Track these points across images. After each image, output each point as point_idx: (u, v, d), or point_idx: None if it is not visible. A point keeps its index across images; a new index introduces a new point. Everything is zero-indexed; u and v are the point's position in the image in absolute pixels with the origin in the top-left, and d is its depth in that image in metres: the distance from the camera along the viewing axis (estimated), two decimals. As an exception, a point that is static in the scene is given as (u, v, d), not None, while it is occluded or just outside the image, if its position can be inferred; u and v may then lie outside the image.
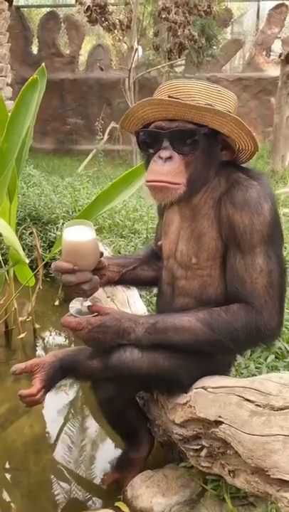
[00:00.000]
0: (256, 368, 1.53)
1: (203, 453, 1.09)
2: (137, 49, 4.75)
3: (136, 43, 4.69)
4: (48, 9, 11.05)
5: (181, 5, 5.62)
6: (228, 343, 1.09)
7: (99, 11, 4.36)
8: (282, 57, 6.45)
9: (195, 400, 1.08)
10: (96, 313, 1.20)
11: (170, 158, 1.07)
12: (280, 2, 9.67)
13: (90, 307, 1.21)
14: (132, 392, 1.42)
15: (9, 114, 1.99)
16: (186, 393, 1.21)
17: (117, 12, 5.07)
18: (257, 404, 0.88)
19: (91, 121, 9.73)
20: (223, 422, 0.94)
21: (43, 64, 2.21)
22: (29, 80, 1.89)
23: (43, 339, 2.53)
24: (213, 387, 1.03)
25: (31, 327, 2.50)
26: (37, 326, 2.52)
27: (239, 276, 1.10)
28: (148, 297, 2.22)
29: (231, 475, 1.03)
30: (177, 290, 1.25)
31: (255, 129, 9.87)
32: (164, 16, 5.37)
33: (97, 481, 1.54)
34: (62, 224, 3.11)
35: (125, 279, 1.45)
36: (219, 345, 1.11)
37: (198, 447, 1.12)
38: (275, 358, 1.57)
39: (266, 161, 7.47)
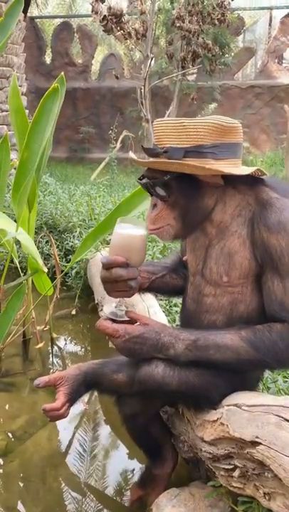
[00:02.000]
0: (284, 381, 1.48)
1: (236, 473, 1.04)
2: (152, 58, 4.75)
3: (150, 52, 4.70)
4: (62, 20, 11.19)
5: (195, 14, 5.64)
6: (272, 363, 1.06)
7: (115, 20, 4.39)
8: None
9: (228, 417, 1.03)
10: (130, 320, 1.18)
11: (155, 205, 1.13)
12: (293, 10, 9.68)
13: (128, 312, 1.19)
14: (157, 408, 1.38)
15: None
16: (215, 409, 1.16)
17: (132, 21, 5.09)
18: (298, 426, 0.84)
19: (103, 130, 9.81)
20: (260, 443, 0.89)
21: (62, 73, 2.20)
22: (50, 88, 1.88)
23: (61, 349, 2.51)
24: (248, 406, 0.99)
25: (48, 336, 2.48)
26: (54, 335, 2.50)
27: (279, 299, 1.07)
28: (167, 307, 2.19)
29: (267, 498, 0.98)
30: (204, 307, 1.21)
31: (268, 136, 9.85)
32: (178, 25, 5.38)
33: (120, 498, 1.50)
34: (80, 233, 3.10)
35: (154, 287, 1.42)
36: (262, 365, 1.07)
37: (230, 467, 1.08)
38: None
39: (280, 168, 7.42)
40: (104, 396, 1.39)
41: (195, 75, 8.91)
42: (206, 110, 8.27)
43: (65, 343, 2.58)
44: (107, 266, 1.12)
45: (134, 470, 1.62)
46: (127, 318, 1.18)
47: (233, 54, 8.59)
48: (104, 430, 1.85)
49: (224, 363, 1.09)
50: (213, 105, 8.46)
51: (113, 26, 4.49)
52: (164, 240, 1.19)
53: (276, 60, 10.00)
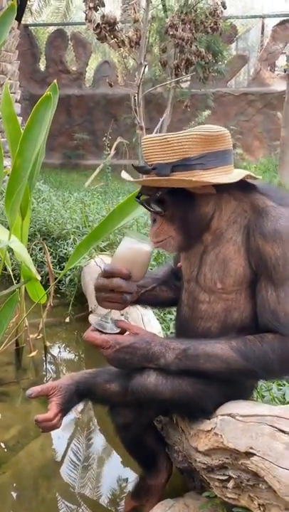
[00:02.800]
0: (279, 389, 1.47)
1: (230, 484, 1.03)
2: (146, 65, 4.79)
3: (143, 60, 4.73)
4: (56, 28, 11.25)
5: (188, 22, 5.68)
6: (262, 373, 1.05)
7: (108, 28, 4.41)
8: (287, 72, 6.49)
9: (222, 427, 1.02)
10: (120, 330, 1.17)
11: (155, 219, 1.16)
12: (285, 18, 9.80)
13: (117, 321, 1.18)
14: (151, 417, 1.37)
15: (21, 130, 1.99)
16: (209, 419, 1.15)
17: (125, 29, 5.13)
18: (293, 436, 0.83)
19: (97, 137, 9.83)
20: (255, 454, 0.88)
21: (55, 80, 2.20)
22: (42, 96, 1.88)
23: (54, 357, 2.49)
24: (242, 415, 0.98)
25: (42, 345, 2.46)
26: (48, 343, 2.48)
27: (271, 308, 1.06)
28: (162, 315, 2.18)
29: (262, 509, 0.97)
30: (199, 313, 1.20)
31: (261, 142, 9.92)
32: (171, 33, 5.42)
33: (114, 509, 1.48)
34: (74, 240, 3.08)
35: (143, 299, 1.41)
36: (252, 375, 1.06)
37: (224, 478, 1.07)
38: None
39: (273, 175, 7.46)
40: (97, 406, 1.37)
41: (188, 83, 8.97)
42: (199, 117, 8.32)
43: (59, 351, 2.56)
44: (109, 274, 1.12)
45: (128, 480, 1.60)
46: (115, 331, 1.17)
47: (226, 62, 8.66)
48: (98, 439, 1.83)
49: (214, 372, 1.09)
50: (206, 112, 8.51)
51: (107, 34, 4.52)
52: (169, 252, 1.21)
53: (269, 68, 10.11)
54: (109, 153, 7.21)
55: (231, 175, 1.11)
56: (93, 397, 1.32)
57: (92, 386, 1.30)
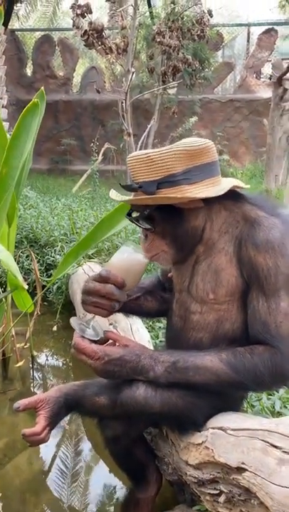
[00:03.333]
0: (268, 399, 1.47)
1: (221, 499, 1.01)
2: (133, 72, 4.80)
3: (131, 66, 4.74)
4: (43, 33, 11.22)
5: (175, 29, 5.72)
6: (252, 385, 1.05)
7: (96, 35, 4.42)
8: (273, 80, 6.57)
9: (212, 441, 1.01)
10: (101, 336, 1.17)
11: (146, 236, 1.16)
12: (270, 27, 9.95)
13: (106, 332, 1.18)
14: (140, 430, 1.35)
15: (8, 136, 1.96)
16: (200, 431, 1.14)
17: (113, 36, 5.14)
18: (285, 451, 0.82)
19: (85, 142, 9.81)
20: (246, 470, 0.87)
21: (42, 88, 2.19)
22: (29, 103, 1.86)
23: (42, 367, 2.45)
24: (233, 429, 0.97)
25: (29, 354, 2.42)
26: (35, 353, 2.44)
27: (262, 319, 1.06)
28: (150, 323, 2.16)
29: (253, 524, 0.96)
30: (190, 324, 1.19)
31: (247, 149, 10.01)
32: (158, 40, 5.45)
33: (103, 524, 1.45)
34: (61, 247, 3.05)
35: (126, 308, 1.38)
36: (241, 387, 1.06)
37: (215, 492, 1.05)
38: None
39: (259, 181, 7.53)
40: (86, 418, 1.35)
41: (175, 89, 9.02)
42: (186, 124, 8.36)
43: (46, 360, 2.52)
44: (105, 280, 1.11)
45: (116, 491, 1.57)
46: (95, 338, 1.16)
47: (212, 69, 8.74)
48: (86, 451, 1.80)
49: (204, 384, 1.08)
50: (193, 119, 8.56)
51: (94, 41, 4.52)
52: (164, 265, 1.22)
53: (255, 75, 10.24)
54: (96, 159, 7.19)
55: (219, 186, 1.11)
56: (82, 409, 1.30)
57: (81, 399, 1.28)
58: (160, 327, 2.13)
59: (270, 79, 9.94)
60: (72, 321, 1.21)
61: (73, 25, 4.60)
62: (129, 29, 4.75)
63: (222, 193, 1.08)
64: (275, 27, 9.98)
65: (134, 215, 1.16)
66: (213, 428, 1.06)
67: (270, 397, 1.48)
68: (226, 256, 1.12)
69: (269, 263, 1.05)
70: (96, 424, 1.30)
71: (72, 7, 4.45)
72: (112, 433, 1.28)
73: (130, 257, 1.14)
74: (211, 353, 1.08)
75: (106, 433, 1.29)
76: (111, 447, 1.33)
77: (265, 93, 9.45)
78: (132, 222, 1.17)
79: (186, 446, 1.18)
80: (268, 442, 0.86)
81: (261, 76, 10.47)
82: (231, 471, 0.94)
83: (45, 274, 3.06)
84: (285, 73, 5.85)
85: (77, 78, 11.36)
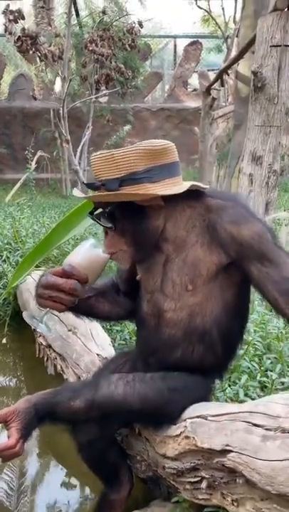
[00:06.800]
0: (231, 389, 1.54)
1: (203, 485, 1.05)
2: (71, 80, 4.78)
3: (66, 74, 4.72)
4: None
5: (106, 39, 5.80)
6: None
7: (29, 41, 4.35)
8: (201, 90, 6.88)
9: (193, 430, 1.05)
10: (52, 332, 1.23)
11: (107, 233, 1.18)
12: (195, 39, 10.43)
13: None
14: (114, 431, 1.36)
15: None
16: (175, 424, 1.17)
17: (48, 43, 5.08)
18: (267, 428, 0.87)
19: (15, 150, 9.54)
20: (231, 451, 0.92)
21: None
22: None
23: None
24: (213, 415, 1.01)
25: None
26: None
27: (282, 275, 1.08)
28: (108, 327, 2.16)
29: (235, 504, 1.01)
30: (164, 322, 1.22)
31: (180, 156, 10.32)
32: (91, 48, 5.49)
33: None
34: (6, 256, 2.95)
35: (75, 308, 1.30)
36: None
37: (196, 480, 1.09)
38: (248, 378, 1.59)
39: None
40: (58, 426, 1.33)
41: (107, 98, 9.11)
42: (120, 132, 8.47)
43: (-2, 375, 2.42)
44: (69, 275, 1.10)
45: (92, 499, 1.56)
46: (47, 333, 1.20)
47: (142, 78, 8.95)
48: (51, 462, 1.76)
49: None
50: (127, 127, 8.69)
51: (28, 47, 4.45)
52: (123, 265, 1.22)
53: (182, 85, 10.63)
54: (30, 167, 7.03)
55: (179, 186, 1.14)
56: (54, 417, 1.28)
57: (53, 406, 1.26)
58: (118, 330, 2.14)
59: (194, 90, 10.41)
60: (25, 314, 1.20)
61: (5, 31, 4.50)
62: (64, 37, 4.74)
63: (183, 190, 1.11)
64: (200, 40, 10.48)
65: (96, 213, 1.17)
66: (190, 418, 1.10)
67: (233, 386, 1.55)
68: (203, 247, 1.15)
69: (255, 230, 1.09)
70: (69, 431, 1.29)
71: (5, 12, 4.34)
72: (86, 437, 1.27)
73: (91, 252, 1.14)
74: None
75: (80, 438, 1.29)
76: (85, 453, 1.32)
77: (193, 103, 9.85)
78: (94, 220, 1.18)
79: (163, 440, 1.20)
80: (250, 422, 0.91)
81: (188, 86, 10.90)
82: (214, 455, 0.98)
83: (-10, 285, 2.93)
84: (212, 83, 6.16)
85: (3, 85, 11.05)
